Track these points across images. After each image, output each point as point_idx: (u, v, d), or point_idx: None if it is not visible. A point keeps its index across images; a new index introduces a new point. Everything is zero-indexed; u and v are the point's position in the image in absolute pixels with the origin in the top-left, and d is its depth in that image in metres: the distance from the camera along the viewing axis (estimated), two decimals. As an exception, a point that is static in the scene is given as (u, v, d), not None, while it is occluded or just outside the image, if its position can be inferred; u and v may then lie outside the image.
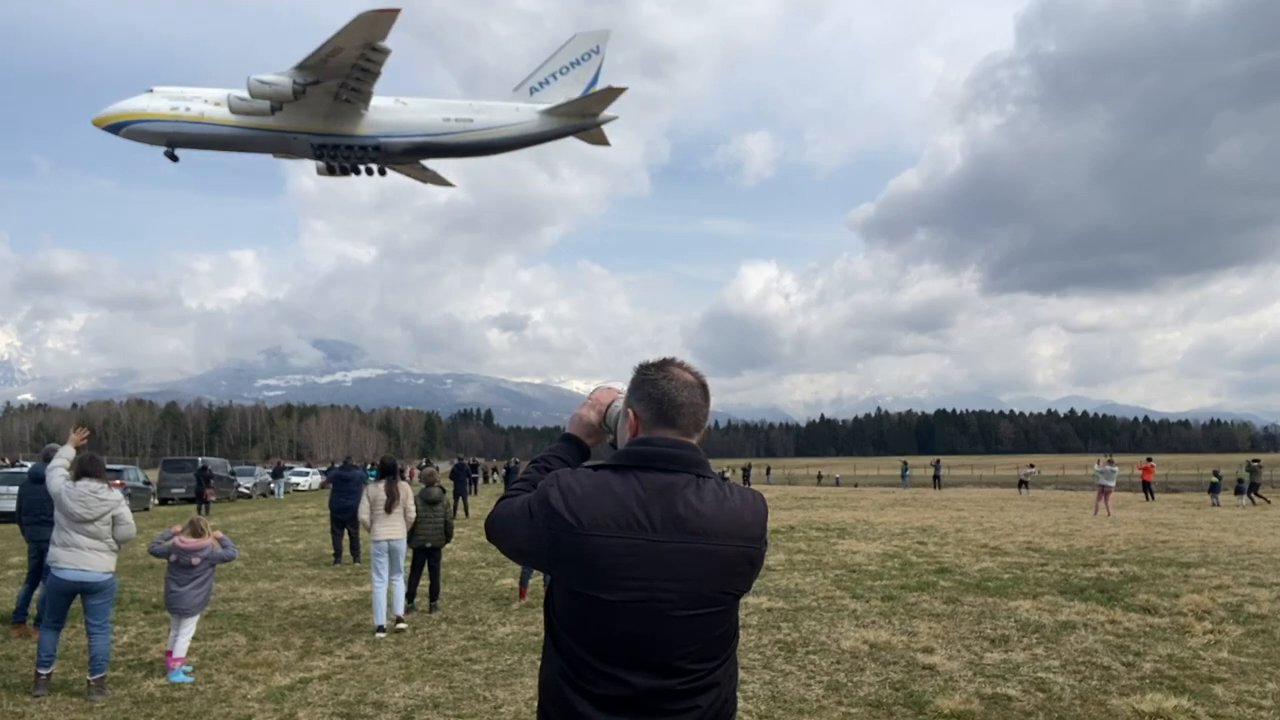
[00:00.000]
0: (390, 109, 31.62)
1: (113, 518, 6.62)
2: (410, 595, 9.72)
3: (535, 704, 2.04)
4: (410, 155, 32.46)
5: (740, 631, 2.09)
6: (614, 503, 1.89)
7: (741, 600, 2.01)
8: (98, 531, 6.56)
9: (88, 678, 6.59)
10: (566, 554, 1.90)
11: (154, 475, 36.06)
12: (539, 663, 2.06)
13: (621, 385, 2.16)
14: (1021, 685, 6.59)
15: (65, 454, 6.84)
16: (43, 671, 6.53)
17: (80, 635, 7.14)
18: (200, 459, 37.41)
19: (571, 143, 33.62)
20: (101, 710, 6.17)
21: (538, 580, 10.64)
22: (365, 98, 30.06)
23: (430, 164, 34.83)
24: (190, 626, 7.13)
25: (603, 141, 33.54)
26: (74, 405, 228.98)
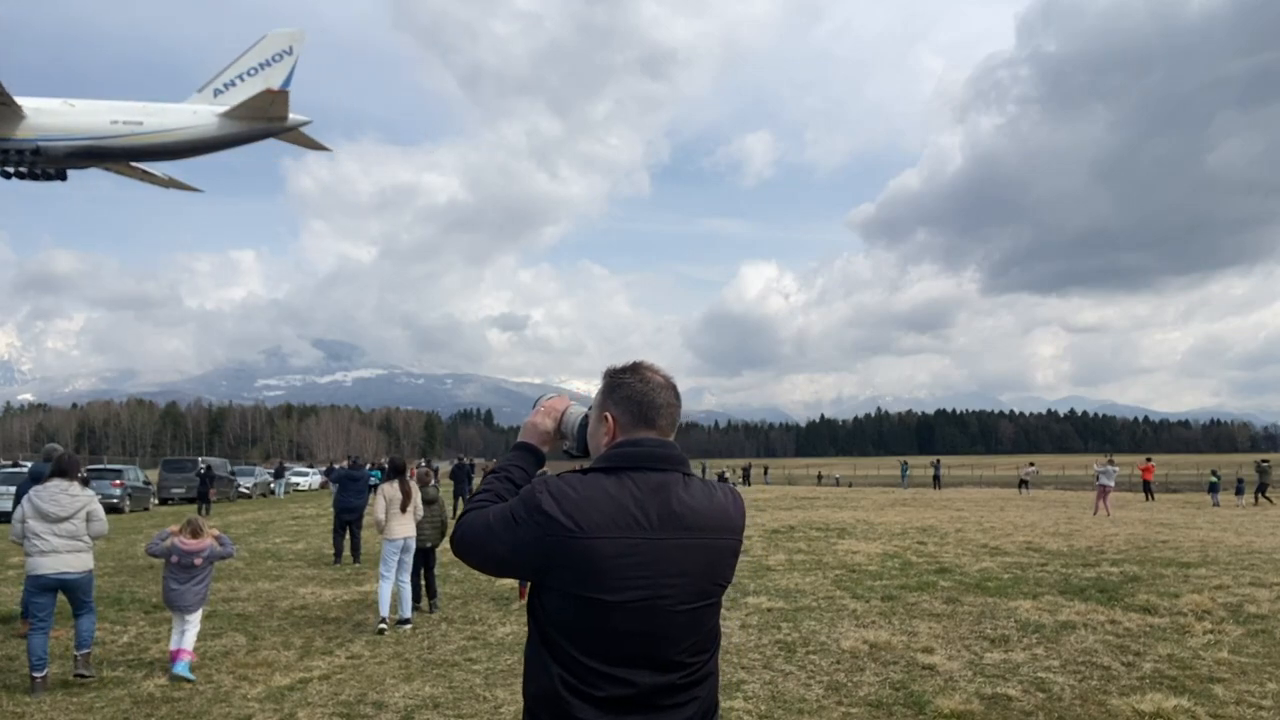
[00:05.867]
0: (55, 111, 29.92)
1: (87, 513, 6.63)
2: (416, 596, 9.74)
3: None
4: (76, 159, 30.48)
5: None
6: (611, 504, 1.89)
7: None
8: (74, 530, 6.55)
9: (73, 653, 6.61)
10: (563, 560, 1.87)
11: (154, 475, 36.10)
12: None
13: (585, 392, 2.18)
14: (1021, 685, 6.59)
15: None
16: (37, 675, 6.51)
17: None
18: (202, 459, 37.47)
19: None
20: (101, 710, 6.16)
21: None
22: (3, 98, 28.08)
23: (163, 168, 32.59)
24: (196, 621, 7.16)
25: (315, 145, 31.77)
26: (74, 405, 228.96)
